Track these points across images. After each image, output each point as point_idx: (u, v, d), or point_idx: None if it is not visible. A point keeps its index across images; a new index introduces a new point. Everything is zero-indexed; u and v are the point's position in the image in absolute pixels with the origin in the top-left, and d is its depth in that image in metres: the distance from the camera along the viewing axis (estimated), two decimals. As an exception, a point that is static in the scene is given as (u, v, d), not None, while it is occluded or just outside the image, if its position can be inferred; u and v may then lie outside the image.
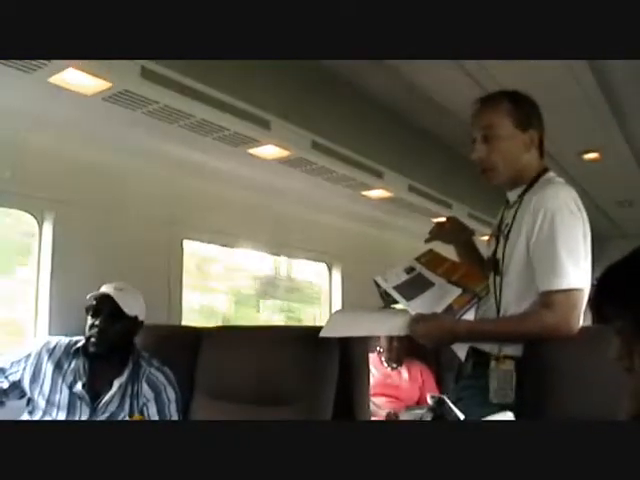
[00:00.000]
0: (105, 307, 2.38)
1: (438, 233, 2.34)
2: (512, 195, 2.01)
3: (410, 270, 2.10)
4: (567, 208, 1.82)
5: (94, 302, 2.40)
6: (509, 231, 1.94)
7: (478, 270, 2.10)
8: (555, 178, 1.95)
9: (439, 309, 1.91)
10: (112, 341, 2.38)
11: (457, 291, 1.97)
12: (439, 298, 1.96)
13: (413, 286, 2.03)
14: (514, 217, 1.93)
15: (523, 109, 1.96)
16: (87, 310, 2.40)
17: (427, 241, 2.31)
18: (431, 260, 2.14)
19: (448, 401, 2.01)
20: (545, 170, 1.98)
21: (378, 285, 2.08)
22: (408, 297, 1.98)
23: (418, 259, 2.15)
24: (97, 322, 2.36)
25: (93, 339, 2.35)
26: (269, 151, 3.06)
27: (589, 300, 1.71)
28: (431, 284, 2.03)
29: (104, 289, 2.41)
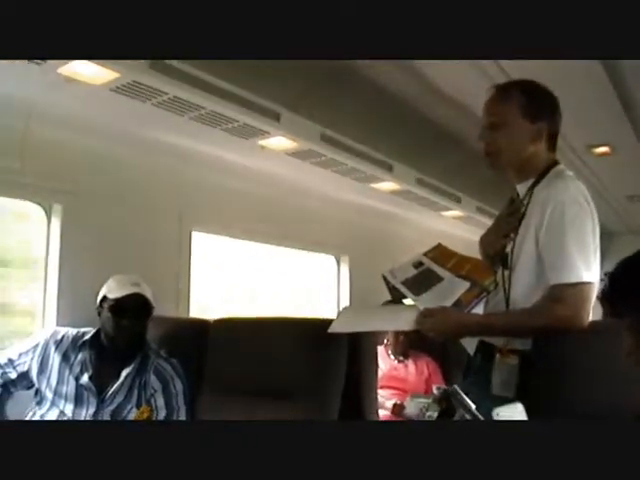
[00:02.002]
0: (134, 306, 2.39)
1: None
2: (521, 188, 2.00)
3: (418, 265, 2.09)
4: (576, 202, 1.82)
5: (121, 302, 2.38)
6: (518, 225, 1.93)
7: (486, 264, 2.09)
8: (565, 172, 1.94)
9: (448, 303, 1.90)
10: (141, 336, 2.43)
11: (465, 285, 1.96)
12: (448, 293, 1.95)
13: (421, 281, 2.03)
14: (524, 211, 1.92)
15: (534, 100, 1.95)
16: (112, 309, 2.38)
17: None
18: (439, 255, 2.13)
19: (459, 390, 2.00)
20: (555, 163, 1.97)
21: (387, 281, 2.08)
22: (416, 292, 1.98)
23: (426, 254, 2.14)
24: (127, 322, 2.37)
25: (121, 338, 2.37)
26: (279, 143, 3.06)
27: (598, 294, 1.70)
28: (440, 279, 2.02)
29: (128, 288, 2.40)
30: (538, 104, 1.96)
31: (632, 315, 1.03)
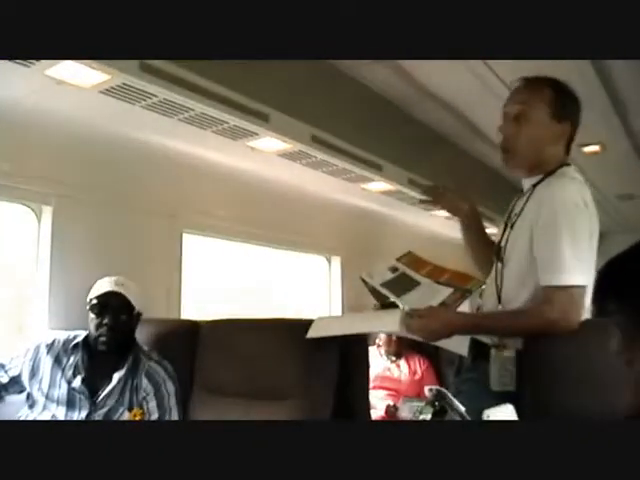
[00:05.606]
0: (113, 304, 2.36)
1: (436, 197, 2.33)
2: (527, 183, 1.99)
3: (394, 270, 2.10)
4: (572, 202, 1.80)
5: (100, 300, 2.36)
6: (516, 220, 1.93)
7: (464, 273, 2.10)
8: (569, 172, 1.92)
9: (433, 304, 1.91)
10: (123, 337, 2.39)
11: (448, 290, 1.97)
12: (430, 296, 1.96)
13: (400, 284, 2.04)
14: (523, 207, 1.92)
15: (564, 100, 1.94)
16: (92, 308, 2.36)
17: (423, 202, 2.42)
18: (412, 261, 2.15)
19: (448, 393, 2.01)
20: (564, 164, 1.95)
21: (365, 282, 2.08)
22: (398, 294, 1.98)
23: (399, 259, 2.15)
24: (106, 320, 2.33)
25: (103, 338, 2.33)
26: (269, 144, 3.05)
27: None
28: (417, 283, 2.03)
29: (108, 286, 2.38)
30: (566, 104, 1.95)
31: (621, 313, 1.03)
